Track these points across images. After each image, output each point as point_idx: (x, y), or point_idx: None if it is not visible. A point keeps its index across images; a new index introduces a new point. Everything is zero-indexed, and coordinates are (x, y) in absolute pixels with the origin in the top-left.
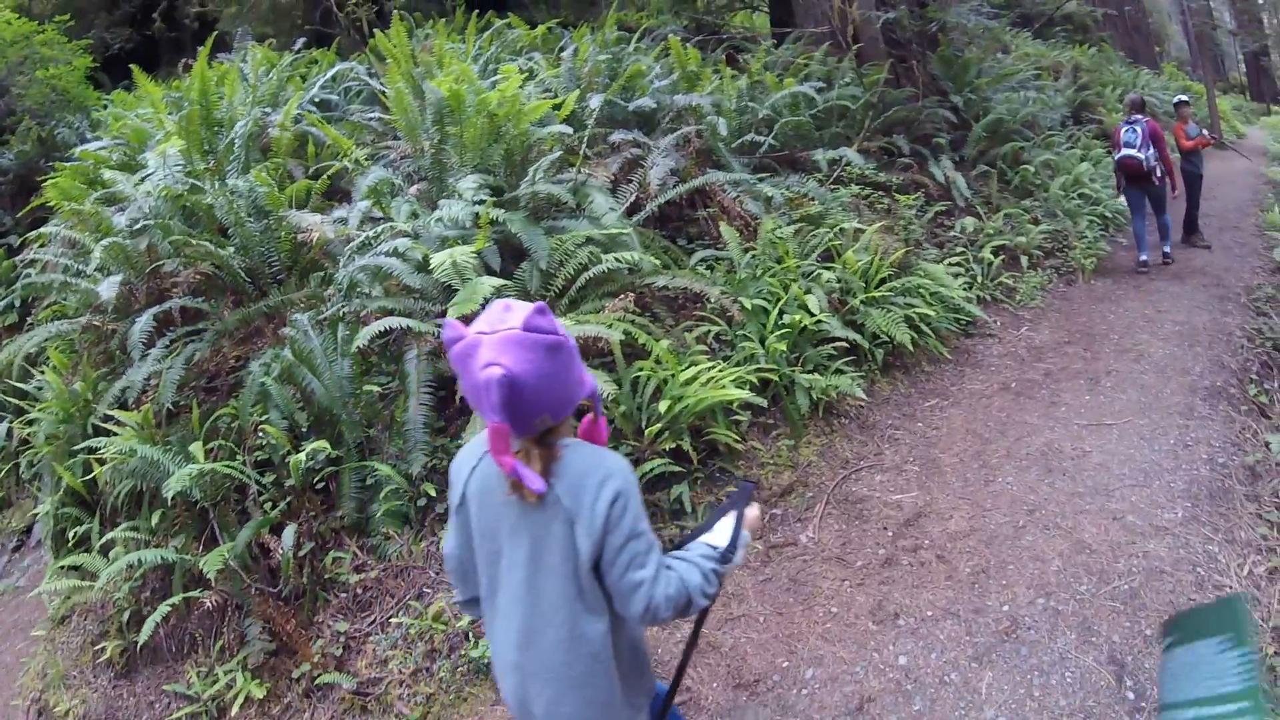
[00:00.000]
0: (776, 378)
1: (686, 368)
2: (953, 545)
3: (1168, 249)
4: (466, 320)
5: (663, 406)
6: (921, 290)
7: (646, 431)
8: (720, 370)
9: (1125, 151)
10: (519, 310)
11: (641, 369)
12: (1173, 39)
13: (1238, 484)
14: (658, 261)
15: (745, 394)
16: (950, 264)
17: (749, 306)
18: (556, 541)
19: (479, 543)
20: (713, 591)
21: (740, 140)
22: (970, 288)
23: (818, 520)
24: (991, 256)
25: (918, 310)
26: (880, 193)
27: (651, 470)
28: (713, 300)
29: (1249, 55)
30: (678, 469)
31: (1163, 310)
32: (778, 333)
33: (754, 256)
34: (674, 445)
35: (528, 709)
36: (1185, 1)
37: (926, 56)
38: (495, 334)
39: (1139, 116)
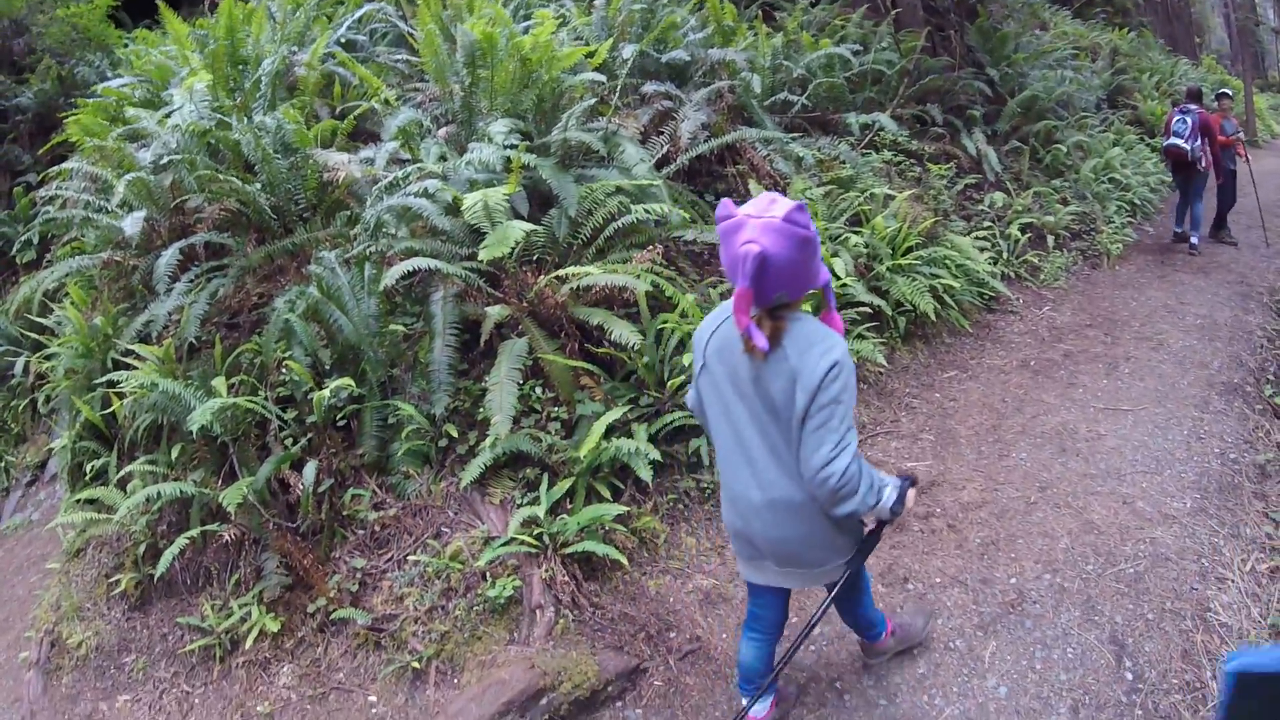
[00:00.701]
0: None
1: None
2: (964, 516)
3: (1195, 240)
4: (738, 204)
5: (686, 359)
6: (948, 261)
7: (669, 384)
8: None
9: (1172, 140)
10: (783, 204)
11: (666, 321)
12: (1213, 31)
13: (1247, 481)
14: (686, 215)
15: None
16: (977, 238)
17: None
18: (782, 395)
19: (712, 397)
20: (872, 503)
21: (773, 99)
22: (995, 263)
23: None
24: (1018, 233)
25: (942, 281)
26: (911, 161)
27: (672, 422)
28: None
29: None
30: (696, 422)
31: (1185, 302)
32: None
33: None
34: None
35: (749, 537)
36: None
37: (964, 27)
38: (760, 219)
39: (1193, 106)
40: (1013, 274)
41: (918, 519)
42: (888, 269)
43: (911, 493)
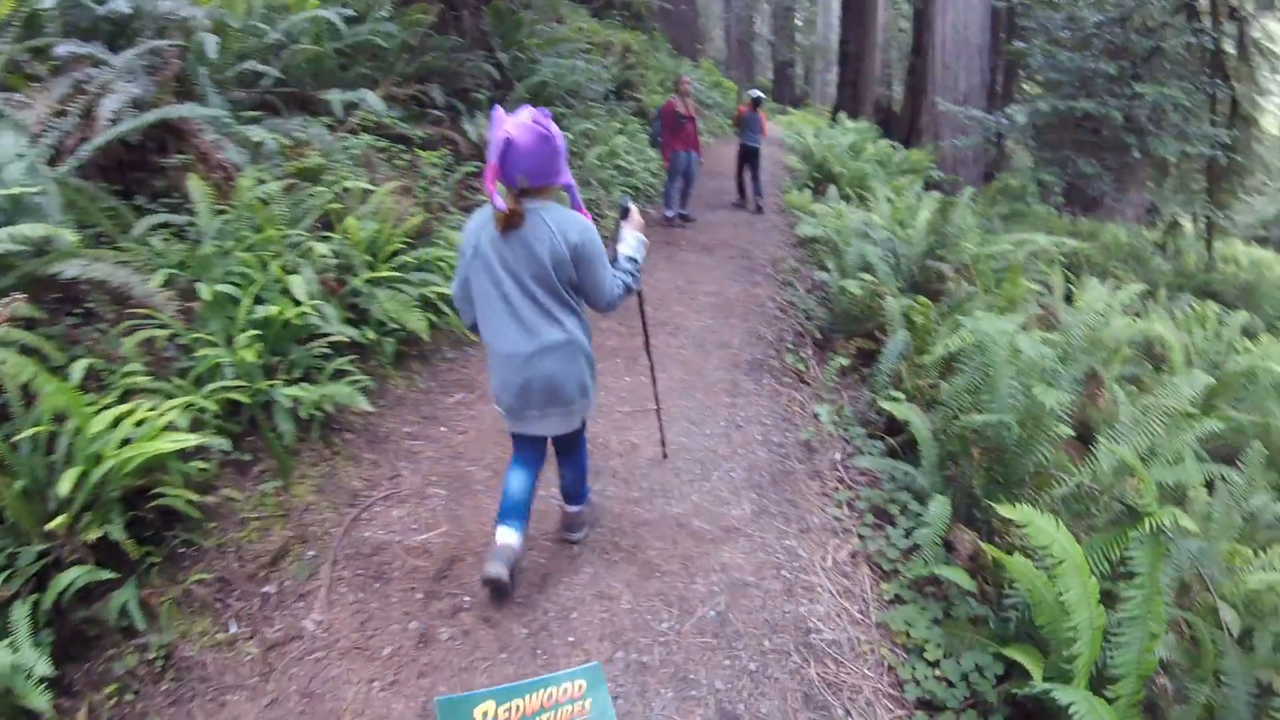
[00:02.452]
0: (248, 398)
1: (103, 409)
2: (500, 599)
3: (669, 214)
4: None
5: (65, 483)
6: (442, 263)
7: (53, 523)
8: (157, 409)
9: None
10: (535, 112)
11: (41, 418)
12: (714, 41)
13: (797, 463)
14: (75, 239)
15: (196, 438)
16: None
17: (210, 295)
18: (551, 259)
19: (484, 277)
20: (638, 287)
21: (240, 68)
22: None
23: (325, 592)
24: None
25: (436, 289)
26: (402, 146)
27: (71, 585)
28: (150, 295)
29: (778, 64)
30: (109, 575)
31: (694, 282)
32: (249, 333)
33: (227, 223)
34: (101, 533)
35: (528, 390)
36: (732, 9)
37: (480, 8)
38: (516, 118)
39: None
40: None
41: (444, 620)
42: (366, 282)
43: (635, 219)
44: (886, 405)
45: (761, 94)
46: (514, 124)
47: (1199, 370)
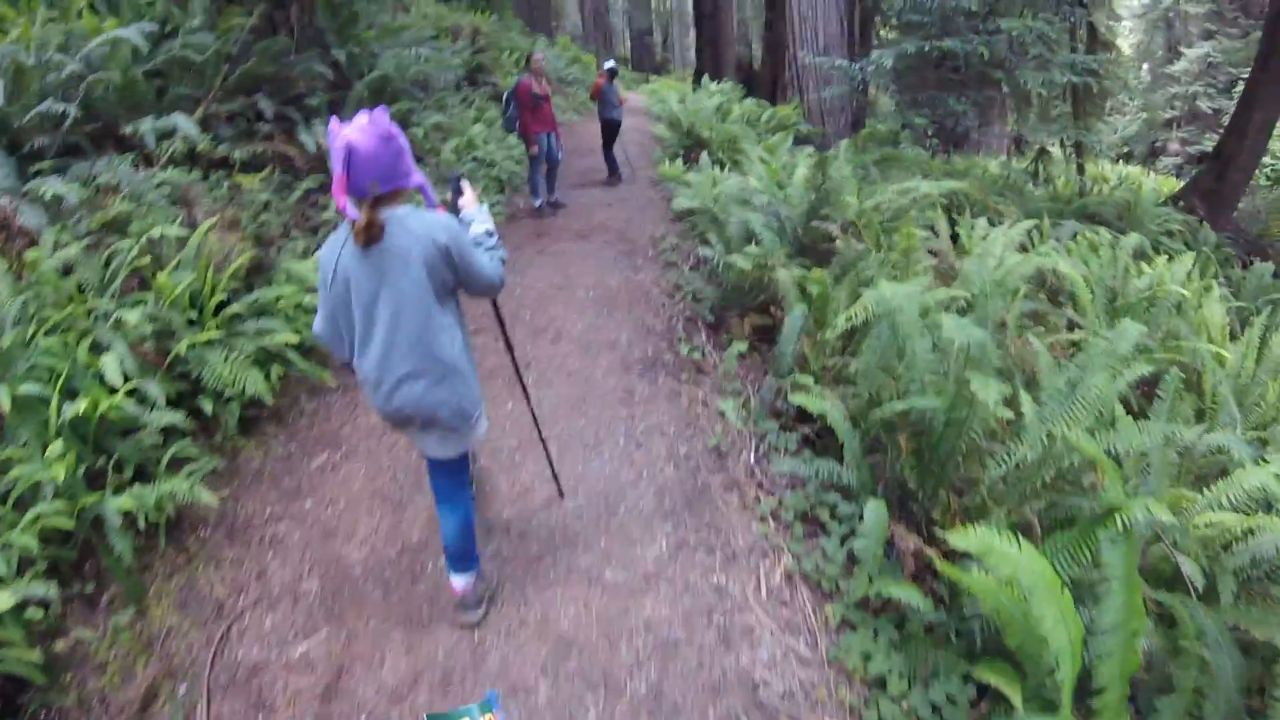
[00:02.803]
0: (70, 521)
1: None
2: (398, 707)
3: (536, 204)
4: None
5: None
6: (282, 305)
7: None
8: None
9: None
10: (372, 114)
11: None
12: (569, 16)
13: (710, 473)
14: None
15: (7, 596)
16: None
17: (9, 401)
18: (428, 265)
19: (354, 300)
20: (504, 254)
21: (37, 111)
22: None
23: None
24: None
25: (278, 337)
26: (222, 173)
27: None
28: None
29: (635, 33)
30: None
31: (571, 275)
32: (57, 442)
33: (26, 302)
34: None
35: (401, 417)
36: None
37: (311, 3)
38: (354, 125)
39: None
40: None
41: None
42: (191, 347)
43: (468, 195)
44: (797, 399)
45: (616, 65)
46: (353, 129)
47: (1129, 322)
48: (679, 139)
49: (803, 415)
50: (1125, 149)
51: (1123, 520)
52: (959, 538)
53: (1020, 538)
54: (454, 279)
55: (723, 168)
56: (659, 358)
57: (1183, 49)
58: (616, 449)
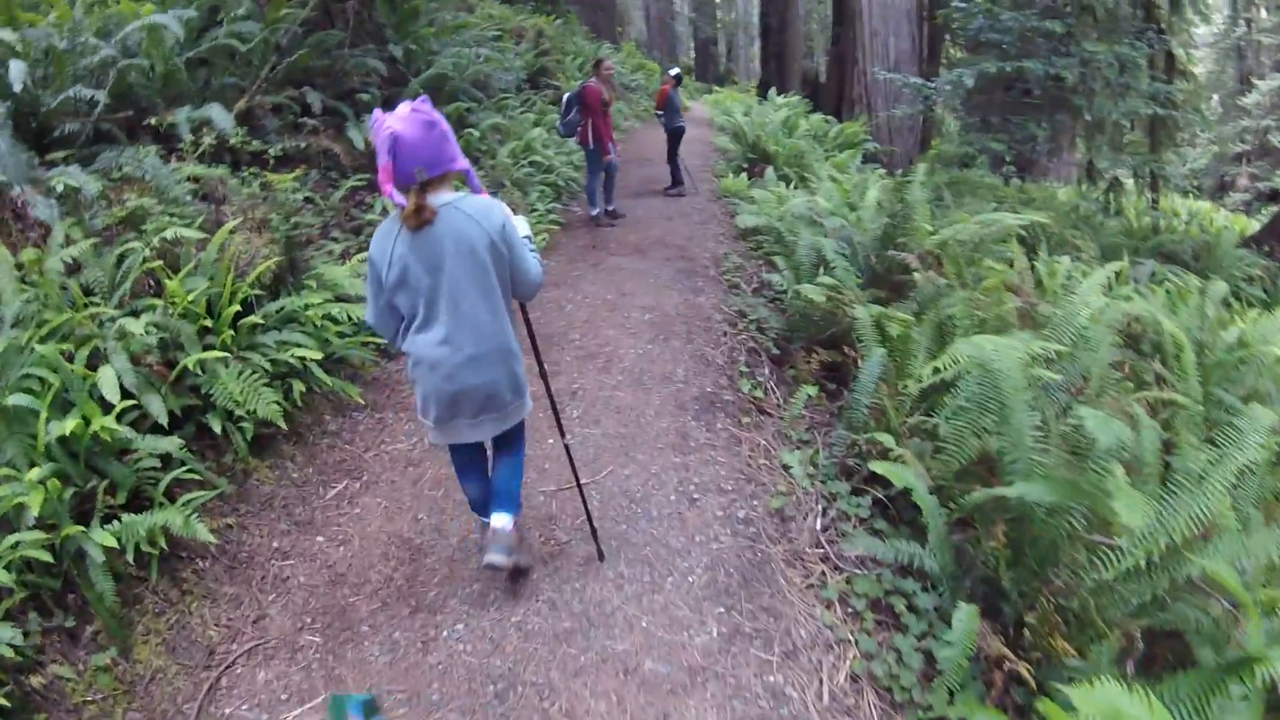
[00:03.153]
0: (48, 555)
1: None
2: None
3: (595, 210)
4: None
5: None
6: (311, 314)
7: None
8: None
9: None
10: (413, 103)
11: None
12: (634, 23)
13: (770, 543)
14: None
15: None
16: (365, 259)
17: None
18: (485, 250)
19: (414, 285)
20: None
21: (66, 95)
22: None
23: None
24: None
25: (297, 352)
26: (256, 169)
27: None
28: None
29: (700, 42)
30: None
31: (626, 293)
32: (37, 469)
33: (27, 302)
34: None
35: (459, 401)
36: None
37: None
38: (397, 113)
39: (587, 83)
40: None
41: None
42: (197, 364)
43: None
44: (877, 467)
45: (680, 71)
46: (395, 119)
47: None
48: (743, 152)
49: (877, 474)
50: (1194, 182)
51: (1265, 677)
52: (1081, 698)
53: (1151, 698)
54: (509, 267)
55: (788, 184)
56: (718, 396)
57: (1255, 80)
58: (667, 505)
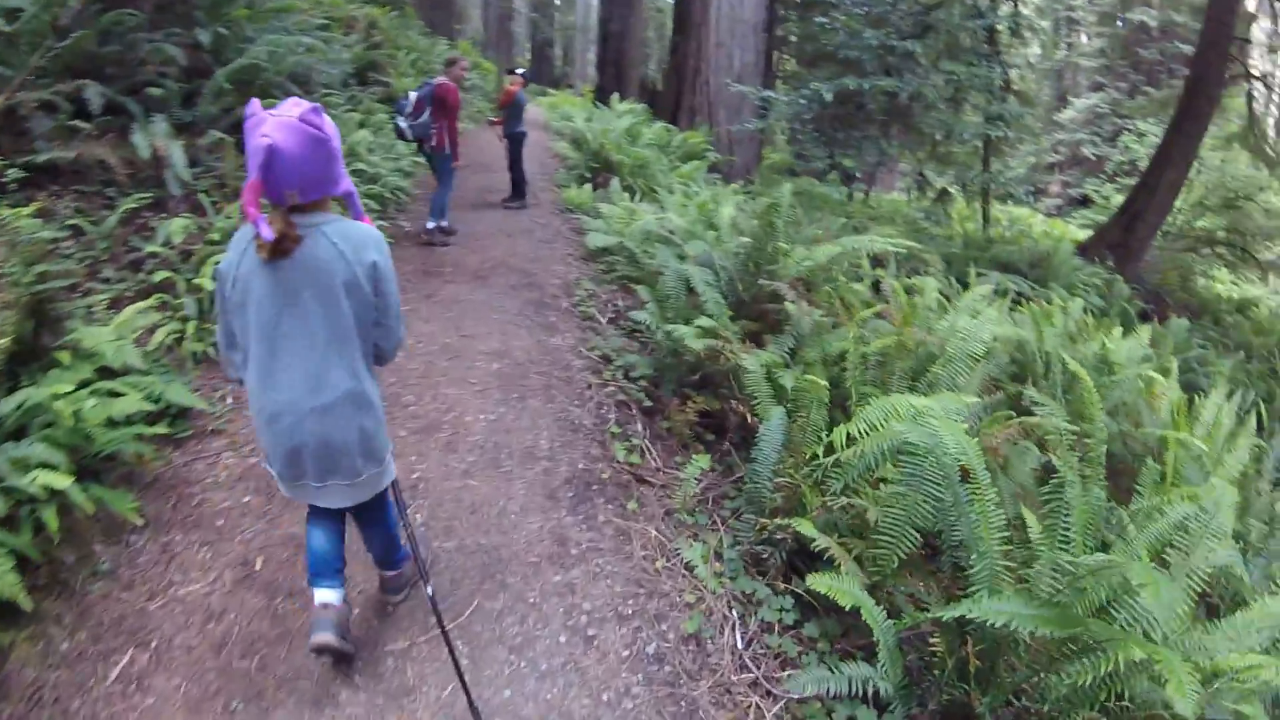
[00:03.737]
0: None
1: None
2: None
3: (430, 224)
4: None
5: None
6: (60, 409)
7: None
8: None
9: (395, 120)
10: (303, 106)
11: None
12: (472, 20)
13: (692, 682)
14: None
15: None
16: (144, 309)
17: None
18: (345, 288)
19: (253, 319)
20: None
21: None
22: (178, 344)
23: None
24: (213, 283)
25: (43, 478)
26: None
27: None
28: None
29: (537, 44)
30: None
31: (469, 334)
32: None
33: None
34: None
35: (299, 457)
36: None
37: None
38: (278, 117)
39: (429, 81)
40: (209, 352)
41: None
42: None
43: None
44: (817, 585)
45: (527, 71)
46: (276, 126)
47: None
48: (585, 160)
49: (795, 558)
50: (1011, 190)
51: None
52: None
53: None
54: (370, 310)
55: (634, 195)
56: (593, 473)
57: (1071, 98)
58: (557, 652)
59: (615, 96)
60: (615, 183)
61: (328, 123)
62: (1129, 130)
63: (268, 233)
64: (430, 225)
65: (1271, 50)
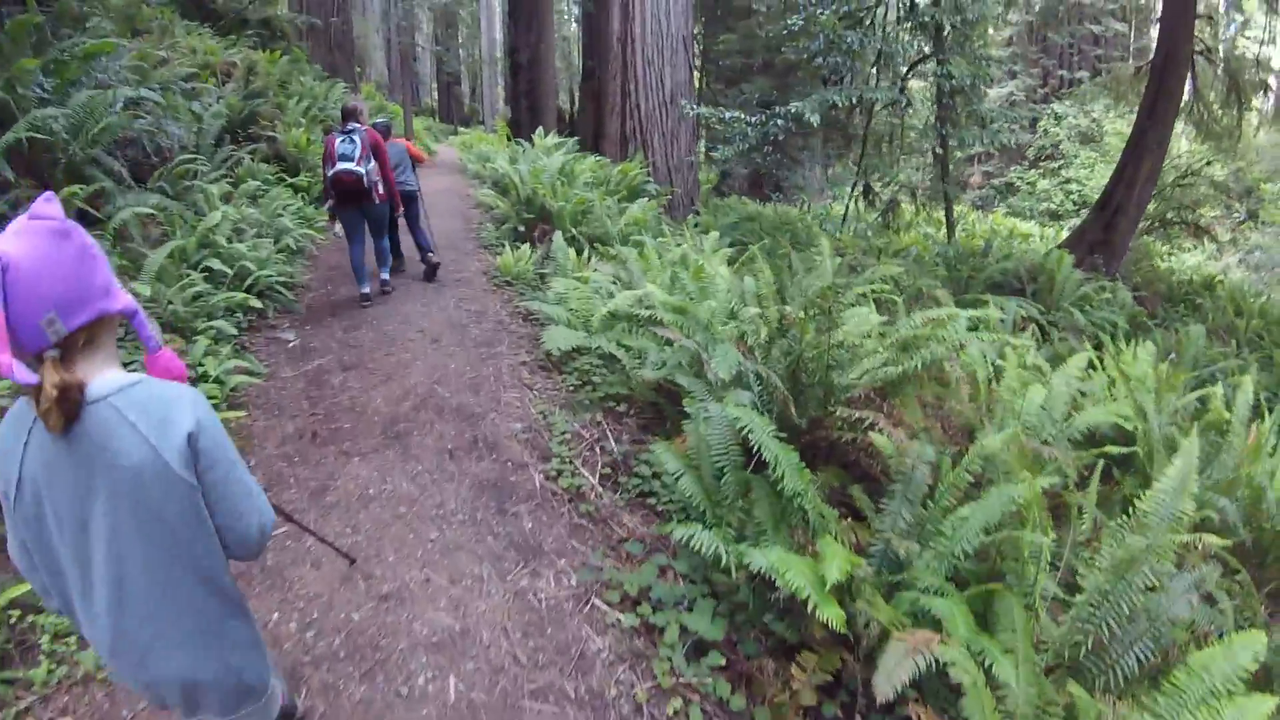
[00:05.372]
0: None
1: None
2: None
3: (386, 275)
4: None
5: None
6: None
7: None
8: None
9: (341, 165)
10: (35, 204)
11: None
12: (374, 64)
13: None
14: None
15: None
16: None
17: None
18: (156, 483)
19: (54, 526)
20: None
21: None
22: None
23: None
24: None
25: None
26: None
27: None
28: None
29: (443, 83)
30: None
31: (390, 590)
32: None
33: None
34: None
35: (161, 686)
36: (393, 28)
37: None
38: (13, 226)
39: (355, 125)
40: None
41: None
42: None
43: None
44: None
45: (389, 120)
46: (9, 235)
47: None
48: (515, 210)
49: None
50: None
51: None
52: None
53: None
54: (197, 504)
55: (580, 253)
56: None
57: (985, 89)
58: None
59: (540, 131)
60: (558, 238)
61: (60, 211)
62: (1046, 114)
63: (27, 376)
64: (384, 277)
65: (1210, 20)
